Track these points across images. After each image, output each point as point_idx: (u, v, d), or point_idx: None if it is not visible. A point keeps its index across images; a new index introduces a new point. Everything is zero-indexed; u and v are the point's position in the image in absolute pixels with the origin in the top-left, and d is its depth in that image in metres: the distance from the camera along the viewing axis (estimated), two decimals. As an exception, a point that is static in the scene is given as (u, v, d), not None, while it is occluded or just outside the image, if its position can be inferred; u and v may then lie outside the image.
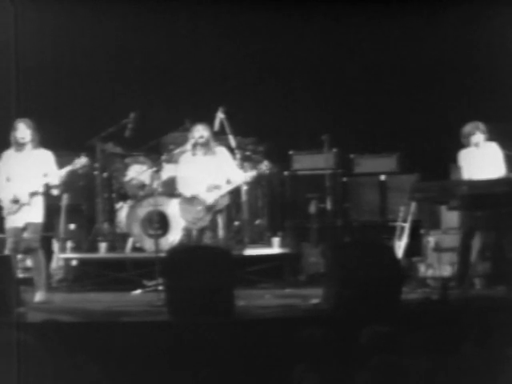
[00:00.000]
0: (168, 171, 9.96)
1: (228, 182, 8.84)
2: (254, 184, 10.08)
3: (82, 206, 10.45)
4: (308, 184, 10.54)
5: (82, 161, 8.41)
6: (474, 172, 8.58)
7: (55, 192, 8.69)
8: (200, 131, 8.89)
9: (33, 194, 8.20)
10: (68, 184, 9.18)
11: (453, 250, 9.07)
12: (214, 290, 7.28)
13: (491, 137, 8.77)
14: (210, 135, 8.93)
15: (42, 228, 8.36)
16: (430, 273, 9.21)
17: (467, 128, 8.73)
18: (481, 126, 8.73)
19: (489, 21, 10.43)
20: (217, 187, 8.75)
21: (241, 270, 9.14)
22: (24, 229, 8.26)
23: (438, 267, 9.18)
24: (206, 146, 8.86)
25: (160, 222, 9.48)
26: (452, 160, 9.63)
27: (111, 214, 10.37)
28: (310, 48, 11.18)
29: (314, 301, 7.98)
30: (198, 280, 7.29)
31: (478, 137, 8.69)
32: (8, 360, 4.23)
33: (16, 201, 8.20)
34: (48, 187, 8.37)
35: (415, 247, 9.34)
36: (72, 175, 8.52)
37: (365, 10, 10.61)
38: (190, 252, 8.15)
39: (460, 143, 8.86)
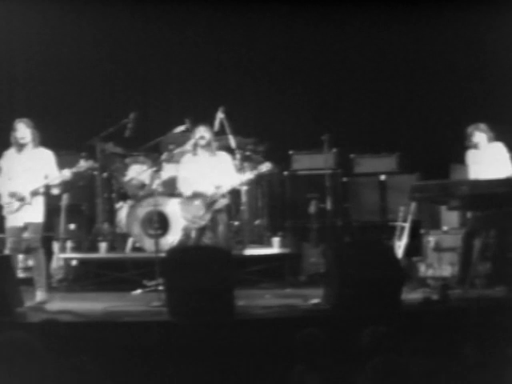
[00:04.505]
0: (168, 171, 9.96)
1: (225, 184, 8.80)
2: (254, 184, 10.08)
3: (82, 206, 10.44)
4: (308, 184, 10.54)
5: (87, 163, 8.40)
6: (479, 172, 8.60)
7: (56, 191, 8.67)
8: (201, 132, 8.89)
9: (34, 194, 8.19)
10: (68, 184, 9.18)
11: (453, 250, 9.08)
12: (214, 290, 7.28)
13: (497, 137, 8.78)
14: (211, 136, 8.93)
15: (42, 228, 8.36)
16: (430, 273, 9.21)
17: (468, 129, 8.79)
18: (482, 126, 8.76)
19: (491, 20, 10.45)
20: (217, 187, 8.75)
21: (241, 270, 9.15)
22: (24, 228, 8.26)
23: (438, 267, 9.19)
24: (206, 147, 8.86)
25: (160, 222, 9.48)
26: (452, 160, 9.66)
27: (111, 214, 10.37)
28: (310, 48, 11.19)
29: (314, 301, 7.98)
30: (198, 280, 7.29)
31: (478, 137, 8.73)
32: (8, 360, 4.23)
33: (18, 199, 8.18)
34: (49, 187, 8.36)
35: (415, 247, 9.34)
36: (75, 176, 8.51)
37: (365, 10, 10.62)
38: (189, 252, 8.15)
39: (460, 143, 8.89)
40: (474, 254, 8.62)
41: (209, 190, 8.73)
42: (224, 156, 8.99)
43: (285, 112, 10.97)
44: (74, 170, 8.35)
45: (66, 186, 9.02)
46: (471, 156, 8.81)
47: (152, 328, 7.12)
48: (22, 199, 8.18)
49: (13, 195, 8.20)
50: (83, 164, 8.38)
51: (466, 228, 8.79)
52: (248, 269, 9.59)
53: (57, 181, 8.33)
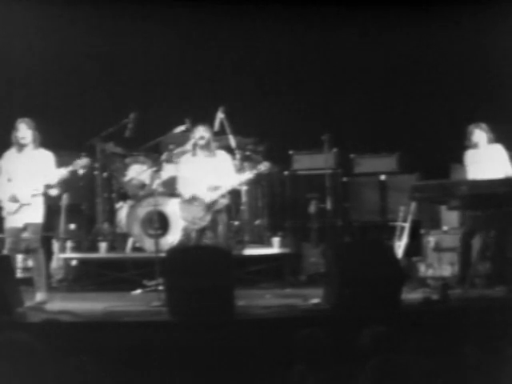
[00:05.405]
0: (168, 171, 9.96)
1: (225, 184, 8.80)
2: (254, 184, 10.08)
3: (82, 206, 10.44)
4: (308, 184, 10.54)
5: (82, 161, 8.41)
6: (478, 173, 8.60)
7: (54, 192, 8.67)
8: (201, 132, 8.88)
9: (33, 195, 8.18)
10: (68, 184, 9.18)
11: (453, 250, 9.08)
12: (214, 290, 7.28)
13: (496, 138, 8.79)
14: (210, 136, 8.93)
15: (42, 228, 8.35)
16: (430, 273, 9.21)
17: (469, 128, 8.80)
18: (483, 126, 8.77)
19: (491, 20, 10.45)
20: (217, 188, 8.75)
21: (241, 270, 9.16)
22: (24, 229, 8.25)
23: (438, 267, 9.19)
24: (206, 146, 8.85)
25: (160, 222, 9.48)
26: (452, 160, 9.66)
27: (111, 214, 10.37)
28: (310, 48, 11.19)
29: (314, 301, 7.98)
30: (198, 280, 7.29)
31: (478, 136, 8.75)
32: (8, 360, 4.23)
33: (16, 200, 8.19)
34: (47, 187, 8.36)
35: (415, 247, 9.35)
36: (72, 175, 8.51)
37: (365, 10, 10.61)
38: (189, 252, 8.16)
39: (460, 143, 8.89)
40: (473, 254, 8.64)
41: (208, 193, 8.72)
42: (223, 156, 8.99)
43: (285, 112, 10.96)
44: (71, 168, 8.35)
45: (64, 185, 9.01)
46: (470, 156, 8.82)
47: (152, 328, 7.12)
48: (18, 201, 8.18)
49: (12, 199, 8.20)
50: (79, 162, 8.39)
51: (464, 228, 8.78)
52: (248, 269, 9.59)
53: (55, 180, 8.32)
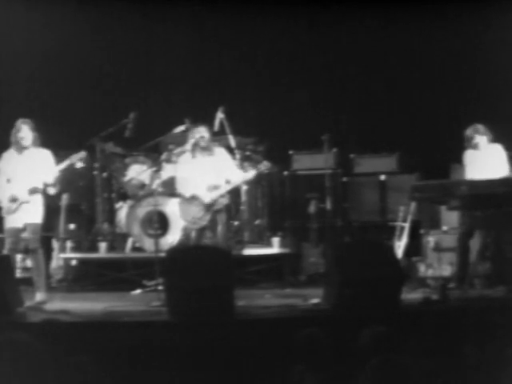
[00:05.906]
0: (168, 171, 9.95)
1: (227, 181, 8.83)
2: (254, 184, 10.08)
3: (82, 206, 10.44)
4: (308, 184, 10.54)
5: (79, 155, 8.40)
6: (477, 173, 8.59)
7: (53, 190, 8.66)
8: (201, 132, 8.89)
9: (32, 192, 8.17)
10: (67, 182, 9.17)
11: (453, 250, 9.08)
12: (214, 290, 7.28)
13: (495, 138, 8.79)
14: (210, 136, 8.94)
15: (41, 228, 8.35)
16: (429, 273, 9.21)
17: (467, 131, 8.78)
18: (481, 129, 8.75)
19: (491, 20, 10.45)
20: (216, 187, 8.75)
21: (241, 270, 9.15)
22: (23, 229, 8.25)
23: (438, 267, 9.19)
24: (206, 147, 8.86)
25: (160, 222, 9.48)
26: (452, 160, 9.66)
27: (111, 214, 10.37)
28: (309, 48, 11.19)
29: (314, 301, 7.98)
30: (198, 280, 7.29)
31: (478, 139, 8.73)
32: (8, 360, 4.23)
33: (15, 199, 8.17)
34: (46, 185, 8.34)
35: (415, 247, 9.35)
36: (70, 171, 8.50)
37: (365, 10, 10.62)
38: (189, 252, 8.15)
39: (460, 143, 8.88)
40: (472, 254, 8.64)
41: (207, 192, 8.73)
42: (223, 154, 9.00)
43: (285, 112, 10.96)
44: (68, 162, 8.34)
45: (63, 182, 8.97)
46: (469, 155, 8.80)
47: (152, 328, 7.12)
48: (17, 199, 8.17)
49: (12, 199, 8.19)
50: (75, 155, 8.38)
51: (462, 228, 8.76)
52: (248, 269, 9.59)
53: (52, 177, 8.29)
